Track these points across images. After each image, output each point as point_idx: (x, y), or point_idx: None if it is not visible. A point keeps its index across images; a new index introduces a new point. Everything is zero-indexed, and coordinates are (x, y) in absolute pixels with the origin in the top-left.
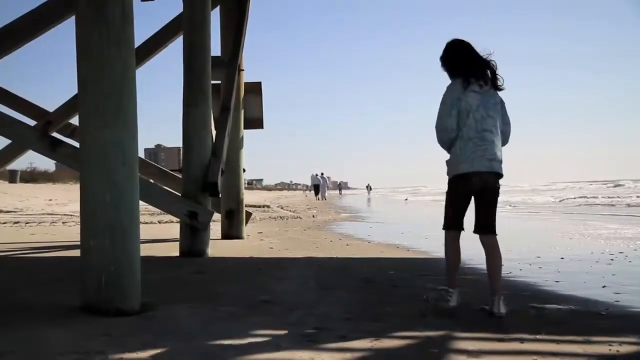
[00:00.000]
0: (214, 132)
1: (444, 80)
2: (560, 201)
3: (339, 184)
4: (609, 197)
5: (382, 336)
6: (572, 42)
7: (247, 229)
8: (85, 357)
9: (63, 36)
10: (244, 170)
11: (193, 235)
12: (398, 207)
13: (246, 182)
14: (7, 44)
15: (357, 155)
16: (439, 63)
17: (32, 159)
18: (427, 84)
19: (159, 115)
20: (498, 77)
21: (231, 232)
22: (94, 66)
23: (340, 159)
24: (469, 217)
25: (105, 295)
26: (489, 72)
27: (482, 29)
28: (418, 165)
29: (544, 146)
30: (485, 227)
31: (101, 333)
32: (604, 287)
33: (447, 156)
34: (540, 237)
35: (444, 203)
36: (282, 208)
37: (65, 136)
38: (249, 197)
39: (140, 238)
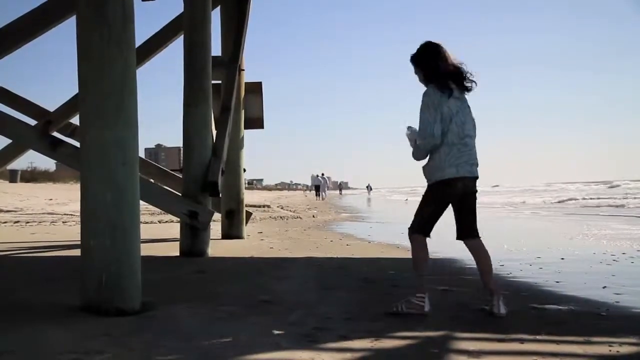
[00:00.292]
0: (214, 132)
1: None
2: (560, 202)
3: (339, 184)
4: (608, 198)
5: (382, 336)
6: (572, 41)
7: (247, 229)
8: (85, 356)
9: (63, 36)
10: (244, 170)
11: (193, 235)
12: (398, 207)
13: (246, 182)
14: (7, 44)
15: (357, 155)
16: (412, 62)
17: (33, 159)
18: None
19: (159, 115)
20: (471, 81)
21: (231, 232)
22: (95, 66)
23: (341, 158)
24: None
25: (106, 295)
26: (461, 78)
27: (482, 28)
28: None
29: (543, 146)
30: (473, 232)
31: (101, 333)
32: (604, 287)
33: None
34: (540, 237)
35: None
36: (282, 208)
37: (66, 136)
38: (249, 197)
39: (141, 238)
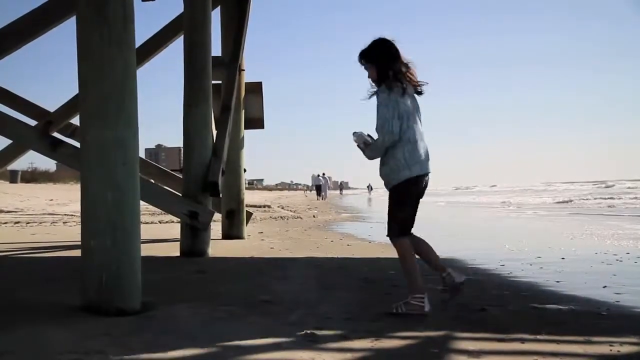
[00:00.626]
0: (214, 132)
1: (443, 80)
2: (564, 202)
3: (340, 184)
4: (608, 198)
5: (382, 336)
6: (572, 41)
7: (247, 229)
8: (86, 356)
9: (63, 36)
10: (245, 170)
11: (194, 235)
12: None
13: (247, 182)
14: (7, 44)
15: (357, 155)
16: (363, 57)
17: (33, 159)
18: (430, 82)
19: (159, 115)
20: (420, 82)
21: (232, 232)
22: (95, 66)
23: (341, 159)
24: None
25: (106, 295)
26: (412, 76)
27: (482, 28)
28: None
29: (542, 146)
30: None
31: (101, 333)
32: (604, 287)
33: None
34: (541, 237)
35: (439, 204)
36: (282, 208)
37: (66, 136)
38: (249, 197)
39: (141, 238)
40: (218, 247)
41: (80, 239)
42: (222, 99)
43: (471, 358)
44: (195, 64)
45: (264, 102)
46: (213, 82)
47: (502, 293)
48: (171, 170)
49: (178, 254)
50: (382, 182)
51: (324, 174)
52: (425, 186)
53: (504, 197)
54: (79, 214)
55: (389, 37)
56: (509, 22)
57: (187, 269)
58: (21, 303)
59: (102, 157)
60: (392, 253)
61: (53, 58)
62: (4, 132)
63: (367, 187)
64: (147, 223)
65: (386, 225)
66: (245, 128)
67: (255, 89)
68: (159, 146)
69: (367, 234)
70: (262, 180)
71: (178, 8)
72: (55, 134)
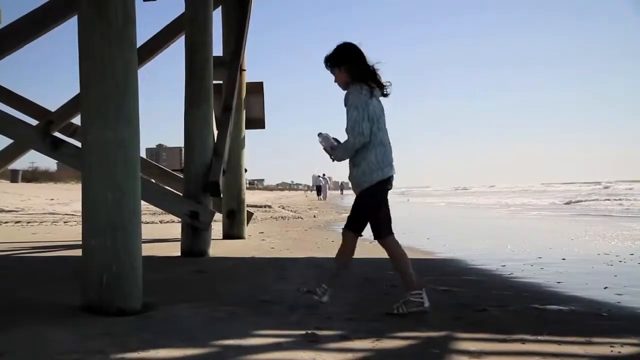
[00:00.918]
0: (215, 132)
1: (444, 80)
2: (569, 203)
3: (341, 184)
4: (613, 200)
5: (383, 336)
6: (572, 41)
7: (248, 229)
8: (86, 356)
9: (64, 36)
10: (246, 170)
11: (194, 235)
12: (400, 207)
13: (247, 182)
14: (8, 44)
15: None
16: (330, 62)
17: (34, 159)
18: (427, 84)
19: (160, 115)
20: (385, 84)
21: (232, 232)
22: (96, 66)
23: None
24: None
25: (107, 295)
26: (378, 79)
27: (481, 29)
28: (419, 165)
29: (540, 147)
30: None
31: (102, 333)
32: (605, 288)
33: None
34: (541, 238)
35: (440, 204)
36: (283, 208)
37: (67, 136)
38: (250, 197)
39: (142, 238)
40: (219, 247)
41: (80, 239)
42: (223, 99)
43: (472, 358)
44: (196, 64)
45: (265, 102)
46: (214, 82)
47: (503, 293)
48: (172, 170)
49: (179, 254)
50: (351, 184)
51: (324, 175)
52: (391, 187)
53: (503, 197)
54: (79, 214)
55: (354, 42)
56: (508, 22)
57: (187, 268)
58: (21, 303)
59: (103, 157)
60: None
61: (54, 58)
62: (5, 131)
63: None
64: (148, 223)
65: (371, 229)
66: (246, 128)
67: (257, 89)
68: (160, 146)
69: (368, 234)
70: (262, 180)
71: (179, 8)
72: (56, 134)
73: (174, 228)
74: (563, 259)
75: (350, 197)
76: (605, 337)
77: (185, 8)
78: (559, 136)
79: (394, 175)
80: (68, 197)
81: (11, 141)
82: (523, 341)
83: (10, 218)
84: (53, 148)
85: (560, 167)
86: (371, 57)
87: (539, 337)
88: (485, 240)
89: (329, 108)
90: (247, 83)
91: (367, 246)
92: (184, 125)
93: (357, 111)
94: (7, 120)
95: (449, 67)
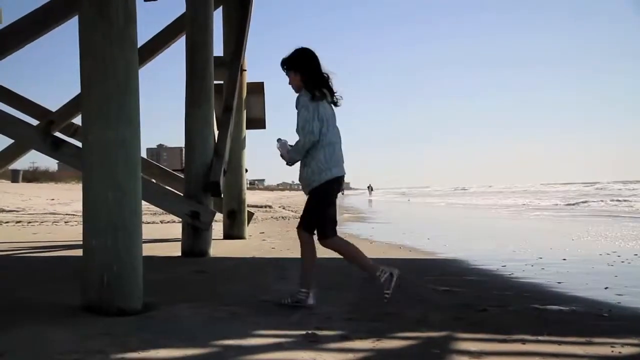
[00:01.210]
0: (216, 132)
1: (446, 81)
2: (568, 204)
3: None
4: (611, 200)
5: (383, 336)
6: (571, 42)
7: (248, 229)
8: (86, 356)
9: (65, 36)
10: (246, 171)
11: (195, 235)
12: (400, 207)
13: (248, 182)
14: (9, 44)
15: (358, 155)
16: (286, 65)
17: (34, 159)
18: (428, 84)
19: (161, 115)
20: (335, 94)
21: (233, 232)
22: (97, 66)
23: None
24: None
25: (107, 294)
26: (330, 86)
27: (481, 29)
28: (419, 165)
29: (539, 147)
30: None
31: (102, 332)
32: (606, 288)
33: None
34: (542, 238)
35: (441, 205)
36: (283, 208)
37: (68, 136)
38: (250, 197)
39: (142, 238)
40: (219, 247)
41: (81, 239)
42: (224, 99)
43: (472, 358)
44: (197, 64)
45: (265, 102)
46: (215, 82)
47: (503, 294)
48: (173, 170)
49: (179, 254)
50: (301, 185)
51: None
52: (339, 188)
53: (504, 198)
54: (80, 214)
55: (310, 48)
56: (508, 23)
57: (188, 269)
58: (22, 302)
59: (104, 157)
60: (394, 253)
61: (55, 58)
62: (6, 131)
63: (368, 187)
64: (149, 223)
65: (316, 228)
66: (247, 128)
67: (257, 89)
68: (160, 146)
69: (368, 234)
70: (263, 180)
71: (180, 8)
72: (57, 134)
73: (174, 228)
74: (564, 260)
75: (351, 197)
76: (605, 338)
77: (186, 8)
78: (559, 136)
79: (344, 177)
80: (69, 197)
81: (12, 141)
82: (523, 341)
83: (11, 218)
84: (54, 148)
85: (560, 167)
86: (369, 58)
87: (539, 338)
88: (486, 241)
89: None
90: (247, 83)
91: (367, 246)
92: (184, 125)
93: (308, 111)
94: (8, 120)
95: (449, 67)
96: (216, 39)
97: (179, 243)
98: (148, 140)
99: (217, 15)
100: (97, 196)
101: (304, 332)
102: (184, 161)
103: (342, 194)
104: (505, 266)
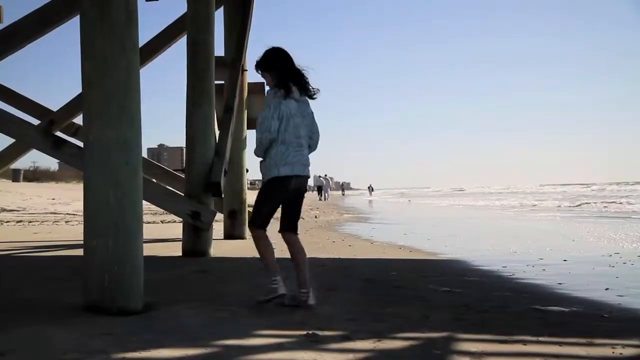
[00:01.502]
0: (217, 132)
1: (447, 81)
2: (573, 206)
3: (342, 184)
4: (606, 201)
5: (384, 337)
6: (571, 42)
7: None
8: (87, 356)
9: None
10: (247, 171)
11: (196, 235)
12: (401, 208)
13: (249, 182)
14: (11, 44)
15: (358, 155)
16: (259, 67)
17: (35, 158)
18: (428, 85)
19: (162, 115)
20: (311, 88)
21: (234, 232)
22: (98, 66)
23: (342, 159)
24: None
25: (108, 294)
26: (304, 82)
27: (481, 29)
28: (420, 166)
29: (539, 148)
30: (294, 227)
31: (103, 332)
32: (607, 289)
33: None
34: (542, 239)
35: (445, 205)
36: None
37: (69, 135)
38: (251, 197)
39: (143, 238)
40: (220, 247)
41: (82, 239)
42: (225, 99)
43: (473, 359)
44: (198, 64)
45: None
46: (216, 82)
47: (504, 295)
48: (173, 170)
49: (180, 254)
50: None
51: (326, 175)
52: (299, 188)
53: (504, 199)
54: (81, 213)
55: (281, 46)
56: (508, 23)
57: (189, 269)
58: (23, 302)
59: (105, 157)
60: (395, 254)
61: (56, 57)
62: (7, 131)
63: (368, 188)
64: (149, 223)
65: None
66: (248, 128)
67: (258, 89)
68: (161, 146)
69: (369, 234)
70: None
71: (181, 8)
72: (58, 133)
73: (175, 228)
74: (565, 260)
75: (352, 197)
76: (606, 339)
77: (187, 8)
78: (558, 137)
79: (303, 178)
80: (69, 197)
81: (13, 140)
82: (524, 342)
83: (11, 217)
84: (55, 148)
85: (560, 167)
86: (369, 58)
87: (540, 338)
88: (486, 242)
89: (329, 108)
90: (248, 83)
91: (369, 247)
92: (185, 125)
93: (268, 109)
94: (9, 120)
95: (449, 67)
96: (217, 39)
97: (180, 243)
98: (149, 140)
99: (219, 15)
100: (98, 196)
101: (304, 333)
102: (184, 161)
103: (343, 194)
104: (506, 267)
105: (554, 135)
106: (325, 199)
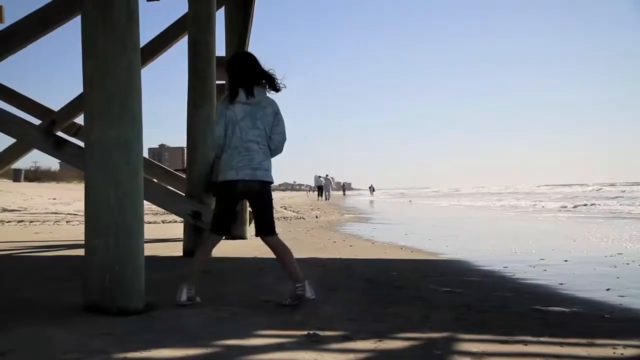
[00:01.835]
0: None
1: (447, 81)
2: (567, 207)
3: (343, 184)
4: (606, 202)
5: (385, 337)
6: (571, 42)
7: (250, 229)
8: (88, 356)
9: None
10: None
11: (197, 235)
12: (402, 208)
13: None
14: (12, 44)
15: (359, 156)
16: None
17: (36, 158)
18: (428, 85)
19: (163, 115)
20: (277, 84)
21: (234, 232)
22: (100, 65)
23: (342, 159)
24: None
25: (109, 294)
26: (265, 83)
27: (480, 30)
28: (420, 166)
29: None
30: (266, 229)
31: (104, 332)
32: (608, 289)
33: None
34: (543, 239)
35: (446, 205)
36: (285, 208)
37: (70, 135)
38: None
39: (144, 238)
40: (221, 247)
41: (83, 238)
42: None
43: (474, 359)
44: (199, 64)
45: None
46: (217, 82)
47: (505, 295)
48: (174, 170)
49: (181, 254)
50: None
51: (327, 175)
52: (251, 191)
53: (504, 199)
54: (82, 213)
55: (246, 51)
56: (508, 23)
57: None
58: (23, 302)
59: (106, 157)
60: (395, 254)
61: (57, 57)
62: (8, 130)
63: (369, 188)
64: (150, 223)
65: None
66: None
67: None
68: (162, 146)
69: (370, 234)
70: None
71: (182, 8)
72: (59, 133)
73: (176, 228)
74: (566, 261)
75: (353, 197)
76: (607, 339)
77: (189, 8)
78: (558, 137)
79: (251, 182)
80: (70, 197)
81: (14, 140)
82: (525, 342)
83: (12, 217)
84: (56, 147)
85: (560, 167)
86: (369, 58)
87: (541, 339)
88: (487, 242)
89: (330, 108)
90: None
91: (370, 247)
92: (186, 125)
93: (217, 115)
94: (10, 120)
95: (448, 68)
96: (218, 39)
97: (181, 243)
98: (150, 140)
99: (220, 15)
100: (99, 196)
101: (305, 333)
102: (185, 161)
103: (344, 194)
104: (507, 267)
105: (554, 135)
106: (326, 198)
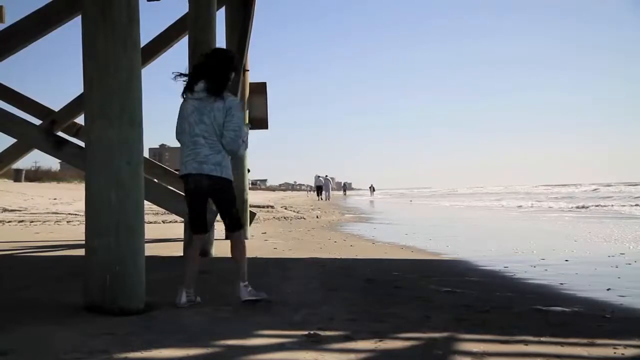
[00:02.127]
0: None
1: (447, 81)
2: (567, 207)
3: (343, 185)
4: (607, 202)
5: (386, 337)
6: (571, 42)
7: (251, 230)
8: (89, 356)
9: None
10: (249, 171)
11: None
12: (402, 208)
13: (250, 182)
14: (12, 44)
15: (359, 156)
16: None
17: (37, 158)
18: (429, 85)
19: (163, 115)
20: (230, 81)
21: None
22: (100, 65)
23: (343, 159)
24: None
25: (110, 294)
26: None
27: (480, 30)
28: (420, 166)
29: (538, 148)
30: (228, 226)
31: (105, 332)
32: (608, 289)
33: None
34: (544, 239)
35: (446, 205)
36: (285, 208)
37: (71, 135)
38: (253, 197)
39: (145, 237)
40: (221, 247)
41: (83, 238)
42: None
43: (475, 359)
44: None
45: (268, 102)
46: None
47: (506, 295)
48: (175, 170)
49: (181, 254)
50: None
51: (327, 175)
52: (200, 186)
53: (505, 199)
54: (82, 213)
55: (221, 48)
56: (508, 24)
57: None
58: (24, 302)
59: (107, 157)
60: (396, 254)
61: (57, 57)
62: (9, 131)
63: (369, 188)
64: (151, 223)
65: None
66: (249, 128)
67: (260, 89)
68: (162, 146)
69: (370, 234)
70: (265, 180)
71: (183, 8)
72: (60, 133)
73: (176, 228)
74: (566, 261)
75: (353, 198)
76: (608, 339)
77: (189, 8)
78: (558, 137)
79: (199, 176)
80: (71, 197)
81: (14, 140)
82: (526, 342)
83: (13, 217)
84: (56, 147)
85: (560, 168)
86: (368, 58)
87: (542, 339)
88: (488, 242)
89: (330, 108)
90: (250, 83)
91: (371, 247)
92: None
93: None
94: (11, 120)
95: (447, 68)
96: (219, 39)
97: (181, 243)
98: (150, 139)
99: (220, 15)
100: (100, 196)
101: (306, 333)
102: None
103: (345, 194)
104: (507, 267)
105: (553, 135)
106: (327, 198)
